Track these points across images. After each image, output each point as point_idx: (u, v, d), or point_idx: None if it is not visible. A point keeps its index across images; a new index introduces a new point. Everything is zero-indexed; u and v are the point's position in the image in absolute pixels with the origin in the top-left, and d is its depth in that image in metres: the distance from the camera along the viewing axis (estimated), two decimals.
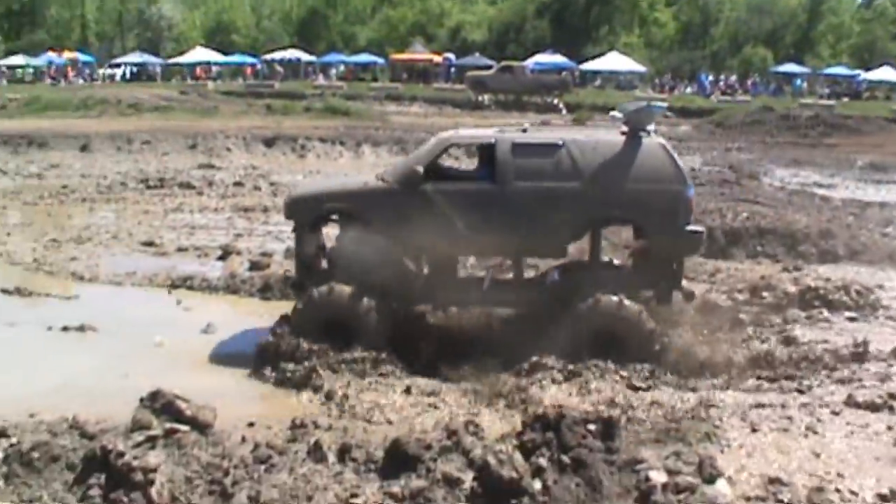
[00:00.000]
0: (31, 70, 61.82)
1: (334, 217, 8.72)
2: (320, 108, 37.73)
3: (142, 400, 6.40)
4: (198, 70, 61.67)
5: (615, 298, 7.86)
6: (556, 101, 43.98)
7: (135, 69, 64.15)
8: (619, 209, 8.26)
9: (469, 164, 13.61)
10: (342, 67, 63.80)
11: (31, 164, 22.88)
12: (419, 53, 60.70)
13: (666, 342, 7.98)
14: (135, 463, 5.29)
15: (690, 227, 8.16)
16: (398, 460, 5.53)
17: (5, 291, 10.94)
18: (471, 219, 8.17)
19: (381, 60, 63.42)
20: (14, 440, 5.69)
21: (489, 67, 49.46)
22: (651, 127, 8.44)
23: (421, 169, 8.26)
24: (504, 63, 48.04)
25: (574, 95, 46.33)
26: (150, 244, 13.89)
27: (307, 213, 8.69)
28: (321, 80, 57.47)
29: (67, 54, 63.94)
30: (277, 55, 63.16)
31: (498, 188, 8.19)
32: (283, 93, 46.46)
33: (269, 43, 72.60)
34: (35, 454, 5.50)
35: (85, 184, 20.05)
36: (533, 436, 5.55)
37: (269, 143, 26.93)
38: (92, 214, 16.68)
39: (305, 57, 63.91)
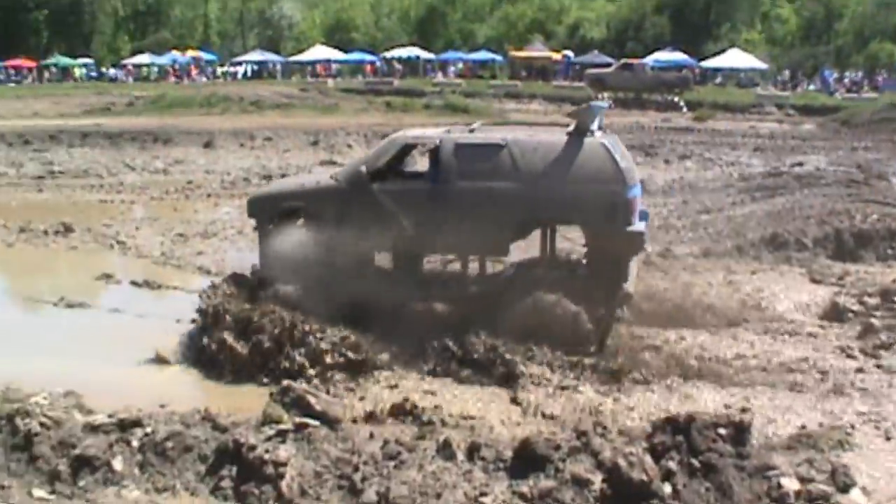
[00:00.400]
0: (156, 68, 65.93)
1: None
2: (440, 106, 38.54)
3: (272, 394, 6.68)
4: (318, 68, 63.91)
5: (552, 297, 8.16)
6: (676, 98, 43.76)
7: (256, 67, 67.19)
8: (558, 209, 8.50)
9: None
10: (461, 65, 64.82)
11: (157, 159, 24.25)
12: (538, 51, 61.83)
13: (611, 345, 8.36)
14: (266, 456, 5.56)
15: (631, 228, 8.29)
16: (527, 460, 5.64)
17: (135, 284, 11.68)
18: (416, 217, 8.65)
19: (499, 58, 64.62)
20: (148, 430, 6.00)
21: (608, 65, 50.13)
22: (595, 126, 8.71)
23: (365, 169, 8.83)
24: (624, 60, 48.64)
25: (695, 93, 46.11)
26: None
27: (265, 211, 9.37)
28: (440, 77, 58.51)
29: (191, 53, 67.85)
30: (396, 53, 64.78)
31: (440, 187, 8.64)
32: (403, 90, 47.50)
33: (387, 41, 74.64)
34: (169, 444, 5.85)
35: (209, 179, 21.11)
36: (663, 438, 5.56)
37: None
38: (216, 210, 17.52)
39: (424, 54, 65.33)
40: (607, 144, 8.45)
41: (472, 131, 9.19)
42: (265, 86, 49.72)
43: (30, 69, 66.44)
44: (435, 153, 8.88)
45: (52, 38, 77.59)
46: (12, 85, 60.91)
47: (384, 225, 8.66)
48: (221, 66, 68.73)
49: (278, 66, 66.15)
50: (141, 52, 70.39)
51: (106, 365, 8.35)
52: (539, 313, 8.17)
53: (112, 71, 66.68)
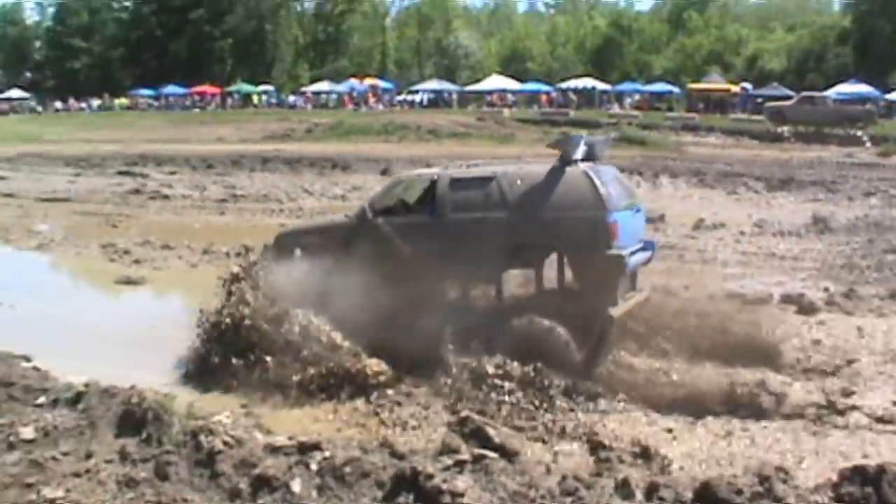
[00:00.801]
0: (334, 96, 69.99)
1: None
2: (616, 138, 38.30)
3: (450, 424, 7.18)
4: (494, 97, 65.61)
5: (546, 323, 8.74)
6: (859, 133, 41.83)
7: (432, 96, 69.83)
8: (541, 236, 9.21)
9: None
10: (637, 96, 64.66)
11: (335, 185, 26.05)
12: (716, 83, 61.26)
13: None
14: (443, 486, 5.66)
15: (611, 252, 8.90)
16: (708, 502, 5.68)
17: None
18: (416, 248, 9.52)
19: (676, 90, 64.26)
20: (327, 454, 6.22)
21: (788, 97, 48.71)
22: (578, 155, 9.41)
23: (368, 205, 10.02)
24: (804, 93, 47.34)
25: (879, 127, 43.55)
26: None
27: (288, 246, 10.43)
28: (616, 108, 58.60)
29: (368, 81, 71.46)
30: (572, 83, 65.48)
31: (437, 220, 9.60)
32: (578, 121, 47.96)
33: (563, 71, 75.70)
34: (347, 469, 6.02)
35: None
36: (850, 489, 5.57)
37: None
38: None
39: (600, 85, 65.79)
40: (589, 172, 9.19)
41: (466, 167, 10.24)
42: (442, 115, 51.61)
43: (213, 95, 72.57)
44: (432, 188, 9.86)
45: (235, 65, 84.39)
46: (197, 111, 66.82)
47: (387, 256, 9.53)
48: (398, 94, 71.99)
49: (454, 95, 68.36)
50: (320, 79, 75.14)
51: None
52: (530, 336, 8.73)
53: (292, 98, 71.37)
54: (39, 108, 77.60)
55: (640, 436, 7.50)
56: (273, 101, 72.04)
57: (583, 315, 8.86)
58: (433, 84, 71.85)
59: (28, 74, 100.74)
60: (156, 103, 73.34)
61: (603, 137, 11.70)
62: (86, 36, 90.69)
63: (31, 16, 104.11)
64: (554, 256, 9.59)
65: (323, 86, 71.52)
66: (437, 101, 67.82)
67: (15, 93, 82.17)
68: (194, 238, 17.65)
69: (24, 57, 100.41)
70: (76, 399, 7.06)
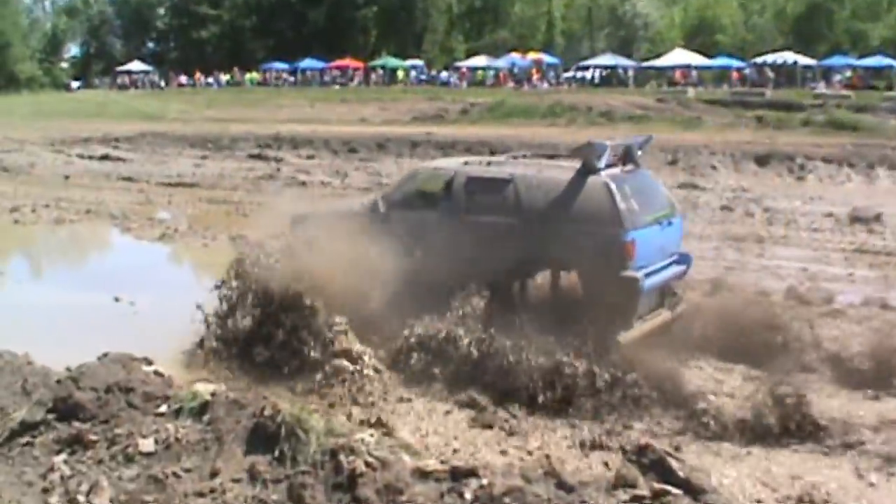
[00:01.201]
0: (492, 72, 70.30)
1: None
2: (822, 122, 37.32)
3: (625, 452, 7.12)
4: (676, 74, 64.32)
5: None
6: None
7: (604, 73, 69.06)
8: (551, 249, 9.97)
9: None
10: (849, 73, 61.63)
11: None
12: None
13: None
14: None
15: (625, 273, 9.46)
16: None
17: None
18: (426, 245, 10.31)
19: None
20: (484, 482, 6.28)
21: None
22: (602, 164, 9.85)
23: (382, 198, 11.14)
24: None
25: None
26: None
27: (302, 230, 11.33)
28: (822, 87, 56.24)
29: (532, 55, 71.39)
30: (769, 58, 63.25)
31: (449, 220, 10.44)
32: (777, 102, 46.37)
33: (759, 44, 73.06)
34: (507, 500, 6.11)
35: None
36: None
37: (762, 161, 27.64)
38: None
39: (803, 60, 63.08)
40: (610, 185, 9.71)
41: (488, 164, 11.12)
42: (616, 94, 51.07)
43: (356, 70, 74.36)
44: (448, 185, 10.72)
45: (380, 37, 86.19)
46: (337, 87, 68.64)
47: (397, 250, 10.06)
48: (566, 70, 71.58)
49: (630, 72, 67.41)
50: (476, 53, 75.68)
51: None
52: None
53: (444, 74, 72.23)
54: (162, 83, 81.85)
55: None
56: (423, 77, 73.12)
57: (592, 339, 9.26)
58: (606, 59, 70.97)
59: (150, 45, 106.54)
60: (291, 79, 75.85)
61: (642, 138, 11.54)
62: (214, 2, 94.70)
63: None
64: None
65: (480, 60, 71.94)
66: (611, 79, 67.12)
67: (136, 65, 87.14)
68: None
69: (147, 26, 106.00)
70: (201, 409, 7.17)
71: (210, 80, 78.42)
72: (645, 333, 9.87)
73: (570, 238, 9.79)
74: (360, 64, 75.31)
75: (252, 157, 31.29)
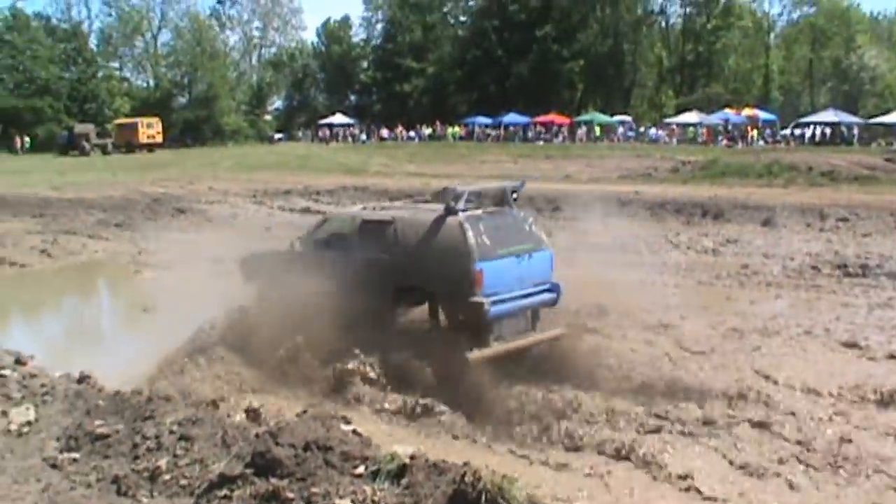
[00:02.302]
0: (704, 129, 69.46)
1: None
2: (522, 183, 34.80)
3: None
4: None
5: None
6: None
7: (827, 130, 66.98)
8: (417, 280, 12.28)
9: None
10: None
11: (705, 237, 25.87)
12: None
13: None
14: None
15: (473, 299, 11.62)
16: None
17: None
18: (332, 279, 12.47)
19: None
20: None
21: None
22: (461, 205, 12.28)
23: (300, 240, 14.27)
24: None
25: None
26: (852, 345, 14.67)
27: (248, 268, 15.02)
28: None
29: (747, 111, 70.38)
30: None
31: (345, 256, 13.03)
32: None
33: None
34: None
35: (768, 264, 22.03)
36: None
37: None
38: (778, 302, 18.33)
39: None
40: (464, 223, 11.98)
41: (380, 209, 13.90)
42: (840, 153, 49.48)
43: (561, 126, 75.03)
44: (347, 227, 13.62)
45: (586, 91, 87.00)
46: (541, 143, 69.48)
47: (314, 283, 12.52)
48: (783, 127, 69.98)
49: (856, 130, 65.18)
50: (687, 109, 75.02)
51: None
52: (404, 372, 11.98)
53: (653, 130, 71.93)
54: (364, 136, 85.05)
55: None
56: (631, 133, 73.07)
57: (446, 356, 11.71)
58: (828, 115, 68.83)
59: (353, 98, 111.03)
60: (493, 133, 77.31)
61: (517, 183, 13.89)
62: (418, 56, 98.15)
63: (357, 33, 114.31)
64: None
65: (691, 116, 71.31)
66: (834, 137, 65.01)
67: (338, 118, 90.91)
68: None
69: (350, 79, 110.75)
70: (400, 472, 7.22)
71: (412, 133, 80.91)
72: (500, 353, 12.09)
73: (432, 269, 12.11)
74: (565, 119, 76.07)
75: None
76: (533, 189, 36.82)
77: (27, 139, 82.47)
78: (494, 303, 11.86)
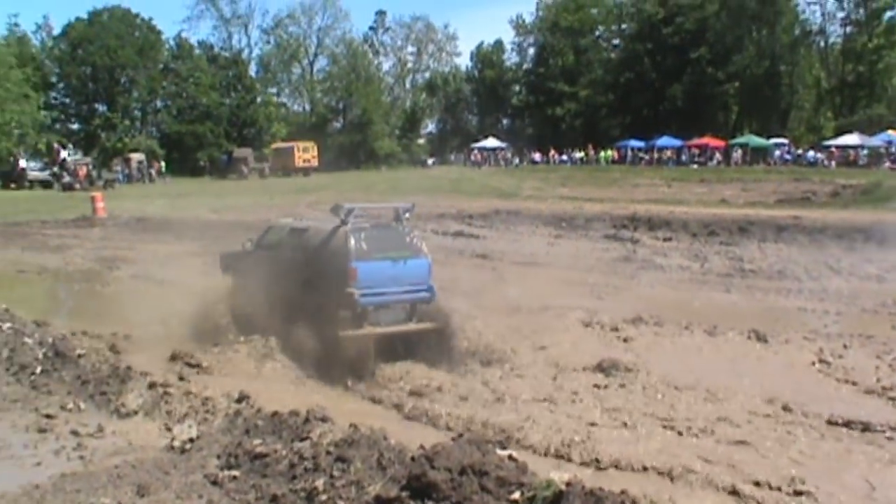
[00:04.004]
0: (865, 151, 66.84)
1: None
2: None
3: None
4: None
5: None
6: None
7: None
8: (315, 274, 15.08)
9: None
10: None
11: (869, 263, 24.62)
12: None
13: None
14: None
15: (348, 289, 14.44)
16: None
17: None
18: (270, 274, 15.85)
19: None
20: None
21: None
22: (350, 217, 15.13)
23: (250, 242, 17.43)
24: None
25: None
26: None
27: (224, 263, 18.33)
28: None
29: None
30: None
31: (276, 255, 16.31)
32: None
33: None
34: None
35: None
36: None
37: None
38: None
39: None
40: (348, 231, 14.84)
41: (301, 220, 18.87)
42: None
43: (716, 149, 73.45)
44: (281, 233, 17.02)
45: (742, 114, 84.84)
46: (695, 167, 68.11)
47: (260, 276, 16.06)
48: None
49: None
50: (847, 131, 72.32)
51: None
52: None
53: (811, 153, 69.64)
54: (516, 160, 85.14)
55: None
56: (788, 156, 70.90)
57: (329, 334, 14.52)
58: None
59: (505, 122, 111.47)
60: (646, 157, 76.27)
61: (408, 205, 16.26)
62: (570, 79, 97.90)
63: (510, 57, 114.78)
64: None
65: (852, 139, 68.72)
66: None
67: (490, 142, 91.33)
68: (694, 317, 17.79)
69: (502, 102, 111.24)
70: (556, 499, 7.13)
71: (564, 157, 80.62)
72: (370, 336, 14.67)
73: (324, 266, 15.05)
74: (720, 142, 74.43)
75: (607, 237, 31.58)
76: (687, 213, 36.20)
77: (162, 164, 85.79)
78: (366, 295, 14.63)
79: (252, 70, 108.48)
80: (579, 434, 10.95)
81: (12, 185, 67.40)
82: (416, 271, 15.30)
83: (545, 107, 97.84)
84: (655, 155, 75.82)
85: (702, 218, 33.16)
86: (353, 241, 14.83)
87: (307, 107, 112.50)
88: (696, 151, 73.94)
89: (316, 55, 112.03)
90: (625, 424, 11.49)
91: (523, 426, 11.27)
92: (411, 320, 15.50)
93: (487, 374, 14.20)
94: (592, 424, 11.43)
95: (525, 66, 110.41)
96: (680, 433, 11.15)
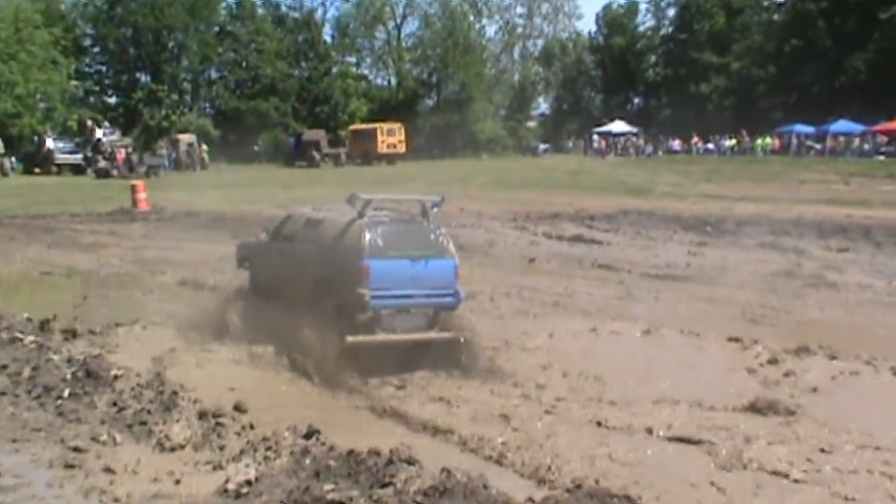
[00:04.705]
0: None
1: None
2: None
3: None
4: None
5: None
6: None
7: None
8: (329, 270, 16.43)
9: None
10: None
11: None
12: None
13: None
14: None
15: (359, 290, 15.55)
16: None
17: None
18: (285, 263, 18.03)
19: None
20: None
21: None
22: (368, 209, 16.44)
23: (266, 232, 19.44)
24: None
25: None
26: None
27: (239, 254, 20.44)
28: None
29: None
30: None
31: (292, 246, 17.91)
32: None
33: None
34: None
35: None
36: None
37: None
38: None
39: None
40: (364, 225, 15.86)
41: (319, 210, 18.58)
42: None
43: None
44: (297, 223, 18.18)
45: None
46: (882, 158, 67.49)
47: (277, 265, 18.31)
48: None
49: None
50: None
51: None
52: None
53: None
54: (649, 148, 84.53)
55: None
56: None
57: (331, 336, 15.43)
58: None
59: (636, 101, 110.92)
60: (817, 146, 75.11)
61: (437, 198, 17.67)
62: (719, 48, 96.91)
63: (644, 21, 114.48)
64: None
65: None
66: None
67: (617, 126, 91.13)
68: (878, 349, 17.21)
69: (633, 77, 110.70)
70: None
71: (710, 145, 79.86)
72: (380, 342, 15.70)
73: (337, 261, 16.10)
74: None
75: (764, 246, 31.04)
76: (869, 218, 35.32)
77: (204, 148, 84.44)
78: (378, 297, 15.52)
79: (327, 35, 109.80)
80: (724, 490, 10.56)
81: (37, 170, 69.63)
82: (438, 273, 16.13)
83: (687, 82, 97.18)
84: (829, 143, 74.48)
85: (890, 224, 32.23)
86: (367, 236, 15.81)
87: (393, 80, 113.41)
88: (884, 139, 72.35)
89: (405, 17, 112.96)
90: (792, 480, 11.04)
91: (642, 479, 10.81)
92: (433, 328, 16.30)
93: (605, 412, 13.52)
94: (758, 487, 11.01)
95: (663, 32, 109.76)
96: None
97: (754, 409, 13.63)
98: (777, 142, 77.92)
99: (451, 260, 16.41)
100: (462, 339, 16.13)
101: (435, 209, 17.24)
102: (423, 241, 16.40)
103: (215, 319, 18.18)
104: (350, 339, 15.46)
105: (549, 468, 10.89)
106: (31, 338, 15.72)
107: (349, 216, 16.63)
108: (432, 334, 16.23)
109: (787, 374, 15.80)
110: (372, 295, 15.54)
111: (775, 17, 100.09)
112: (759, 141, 77.97)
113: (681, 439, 12.28)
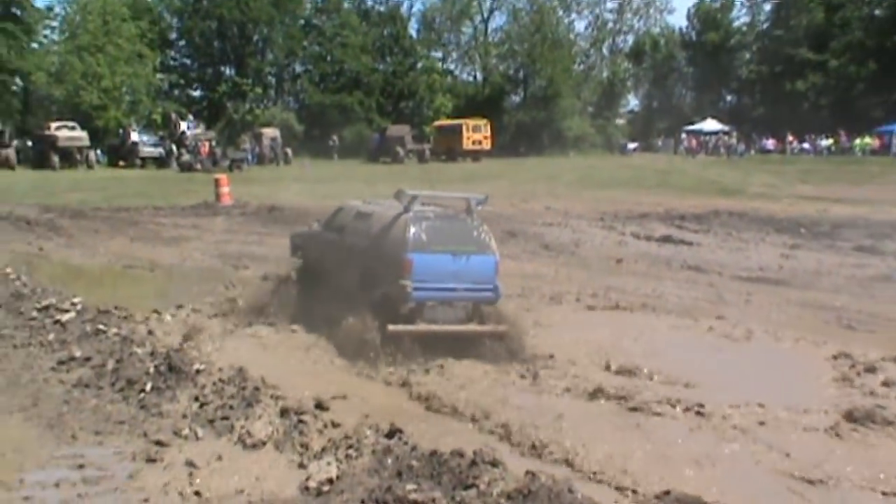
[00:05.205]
0: None
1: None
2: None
3: None
4: None
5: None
6: None
7: None
8: (376, 261, 17.57)
9: None
10: None
11: None
12: None
13: None
14: None
15: (402, 281, 16.62)
16: None
17: None
18: (333, 255, 19.29)
19: None
20: None
21: None
22: (415, 203, 17.64)
23: (316, 223, 21.43)
24: None
25: None
26: None
27: (293, 243, 22.08)
28: None
29: None
30: None
31: (341, 238, 19.11)
32: None
33: None
34: None
35: None
36: None
37: None
38: None
39: None
40: (409, 219, 16.95)
41: (368, 203, 19.83)
42: None
43: None
44: (348, 216, 19.41)
45: None
46: None
47: (328, 255, 19.41)
48: None
49: None
50: None
51: None
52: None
53: None
54: (742, 148, 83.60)
55: None
56: None
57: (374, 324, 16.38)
58: None
59: (729, 99, 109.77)
60: None
61: (481, 197, 18.50)
62: (817, 44, 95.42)
63: (739, 16, 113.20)
64: None
65: None
66: None
67: (709, 124, 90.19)
68: None
69: (726, 74, 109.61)
70: None
71: (805, 145, 78.85)
72: (421, 332, 16.49)
73: (382, 254, 17.17)
74: None
75: (862, 249, 30.61)
76: None
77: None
78: (420, 289, 16.53)
79: (412, 29, 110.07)
80: None
81: (121, 163, 70.87)
82: (479, 268, 17.15)
83: (782, 80, 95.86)
84: None
85: None
86: (412, 231, 16.91)
87: (479, 76, 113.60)
88: None
89: (492, 11, 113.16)
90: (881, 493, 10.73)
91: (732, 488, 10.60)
92: (472, 321, 17.28)
93: (694, 421, 13.13)
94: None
95: (758, 28, 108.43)
96: None
97: (851, 418, 13.30)
98: (877, 142, 76.64)
99: (493, 256, 17.39)
100: (502, 332, 16.93)
101: (479, 207, 18.05)
102: (465, 237, 17.39)
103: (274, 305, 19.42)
104: (391, 327, 16.43)
105: (631, 475, 10.70)
106: (115, 330, 16.01)
107: (396, 210, 17.70)
108: (472, 327, 17.12)
109: (885, 384, 15.36)
110: (414, 287, 16.62)
111: (877, 11, 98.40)
112: (857, 141, 76.86)
113: (770, 446, 12.05)
